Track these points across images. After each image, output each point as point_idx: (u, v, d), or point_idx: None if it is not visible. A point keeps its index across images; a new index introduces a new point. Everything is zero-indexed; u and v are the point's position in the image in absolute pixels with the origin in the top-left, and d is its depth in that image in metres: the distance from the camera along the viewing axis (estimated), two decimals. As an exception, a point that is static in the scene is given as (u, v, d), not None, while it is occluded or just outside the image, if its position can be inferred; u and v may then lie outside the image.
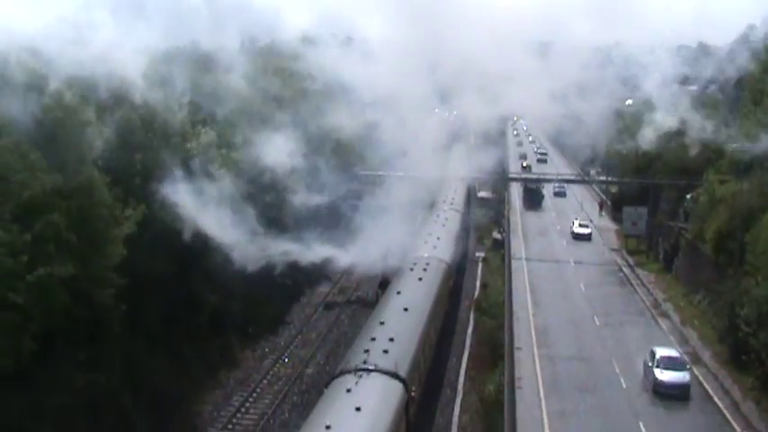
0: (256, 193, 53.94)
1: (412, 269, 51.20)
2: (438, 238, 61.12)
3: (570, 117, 70.81)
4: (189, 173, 43.67)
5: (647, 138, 70.74)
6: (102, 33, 40.88)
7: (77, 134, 33.20)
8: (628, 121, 78.38)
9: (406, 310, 42.09)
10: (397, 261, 55.69)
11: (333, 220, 69.50)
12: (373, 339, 36.52)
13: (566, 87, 64.51)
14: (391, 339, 36.12)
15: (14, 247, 27.66)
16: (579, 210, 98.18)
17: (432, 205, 79.06)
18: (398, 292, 45.88)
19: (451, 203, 79.89)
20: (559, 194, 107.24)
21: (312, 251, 57.55)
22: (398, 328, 38.76)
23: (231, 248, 46.45)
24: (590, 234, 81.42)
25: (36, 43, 35.92)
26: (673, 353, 43.51)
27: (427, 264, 52.71)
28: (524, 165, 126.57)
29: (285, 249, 54.29)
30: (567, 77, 63.37)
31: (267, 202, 56.40)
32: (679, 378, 40.91)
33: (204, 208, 44.05)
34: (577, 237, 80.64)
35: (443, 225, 68.07)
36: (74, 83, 35.72)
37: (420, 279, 49.17)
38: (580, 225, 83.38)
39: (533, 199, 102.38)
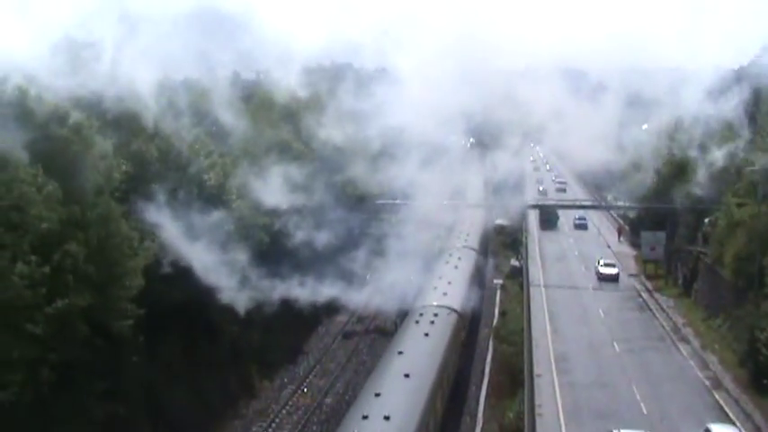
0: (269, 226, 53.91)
1: (417, 321, 44.99)
2: (449, 283, 54.11)
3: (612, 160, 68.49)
4: (205, 203, 43.83)
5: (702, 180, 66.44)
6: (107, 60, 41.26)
7: (95, 165, 33.52)
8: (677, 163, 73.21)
9: (407, 376, 35.69)
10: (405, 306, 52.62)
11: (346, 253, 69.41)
12: (365, 418, 30.65)
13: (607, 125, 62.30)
14: (387, 418, 30.32)
15: (33, 279, 27.86)
16: (597, 235, 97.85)
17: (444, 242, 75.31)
18: (400, 352, 39.10)
19: (466, 240, 74.38)
20: (580, 227, 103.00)
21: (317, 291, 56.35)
22: (397, 399, 32.99)
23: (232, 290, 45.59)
24: (617, 275, 75.06)
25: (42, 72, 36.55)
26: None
27: (435, 315, 46.20)
28: (541, 189, 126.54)
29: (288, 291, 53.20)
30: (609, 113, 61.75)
31: (277, 236, 56.12)
32: None
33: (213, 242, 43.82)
34: (604, 278, 74.39)
35: (456, 267, 61.29)
36: (90, 113, 36.12)
37: (426, 335, 42.55)
38: (606, 265, 77.05)
39: (550, 220, 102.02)
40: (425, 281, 56.90)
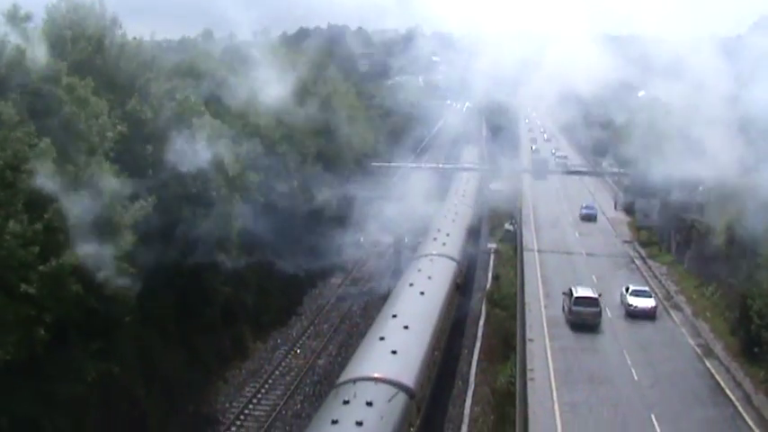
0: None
1: (420, 269, 49.40)
2: (447, 235, 60.04)
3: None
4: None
5: None
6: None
7: (88, 125, 33.29)
8: None
9: (422, 294, 43.68)
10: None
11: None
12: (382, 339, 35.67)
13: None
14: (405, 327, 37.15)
15: (26, 238, 27.79)
16: (591, 198, 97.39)
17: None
18: (411, 284, 45.87)
19: (463, 196, 79.14)
20: (588, 218, 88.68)
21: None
22: (413, 308, 40.77)
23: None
24: (655, 308, 53.51)
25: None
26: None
27: (431, 261, 51.83)
28: (533, 148, 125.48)
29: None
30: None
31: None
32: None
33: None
34: (635, 314, 52.83)
35: (453, 221, 66.54)
36: (85, 73, 35.85)
37: (430, 277, 47.39)
38: (636, 293, 54.48)
39: (540, 170, 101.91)
40: (425, 233, 63.84)
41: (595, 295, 51.42)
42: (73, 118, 32.54)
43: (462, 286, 49.73)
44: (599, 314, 50.31)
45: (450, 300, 47.41)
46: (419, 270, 49.31)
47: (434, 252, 54.15)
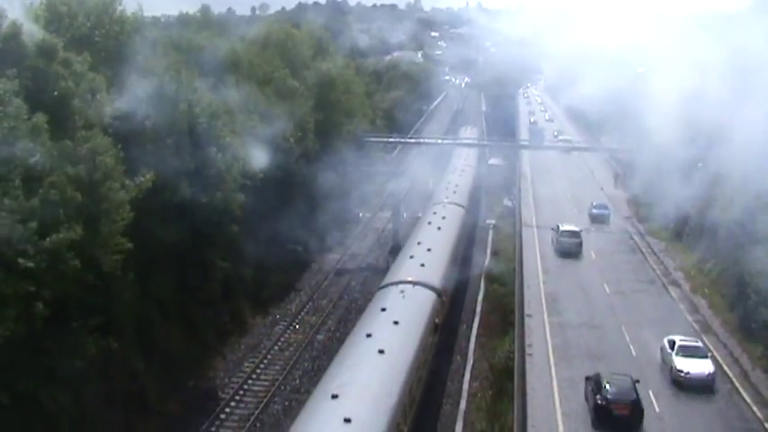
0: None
1: (435, 212, 60.22)
2: (429, 250, 48.66)
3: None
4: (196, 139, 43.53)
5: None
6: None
7: (85, 100, 33.14)
8: None
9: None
10: None
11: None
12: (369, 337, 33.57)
13: None
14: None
15: (23, 213, 27.73)
16: (591, 179, 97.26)
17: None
18: (429, 223, 56.57)
19: (455, 192, 73.83)
20: (598, 219, 75.53)
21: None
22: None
23: None
24: (713, 376, 39.03)
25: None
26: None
27: (444, 209, 61.46)
28: (532, 120, 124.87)
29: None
30: None
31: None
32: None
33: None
34: (689, 382, 38.49)
35: (460, 176, 77.78)
36: (84, 48, 35.66)
37: (439, 228, 55.37)
38: (686, 351, 39.77)
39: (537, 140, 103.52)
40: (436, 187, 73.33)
41: (578, 229, 63.44)
42: (68, 93, 32.35)
43: (441, 325, 42.40)
44: (580, 245, 61.88)
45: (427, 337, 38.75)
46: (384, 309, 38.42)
47: (409, 279, 42.72)
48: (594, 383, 34.96)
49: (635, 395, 34.02)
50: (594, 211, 76.64)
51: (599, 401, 33.74)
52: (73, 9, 38.59)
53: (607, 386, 33.99)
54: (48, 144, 29.74)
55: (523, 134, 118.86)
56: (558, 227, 63.84)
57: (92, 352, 31.86)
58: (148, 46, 42.76)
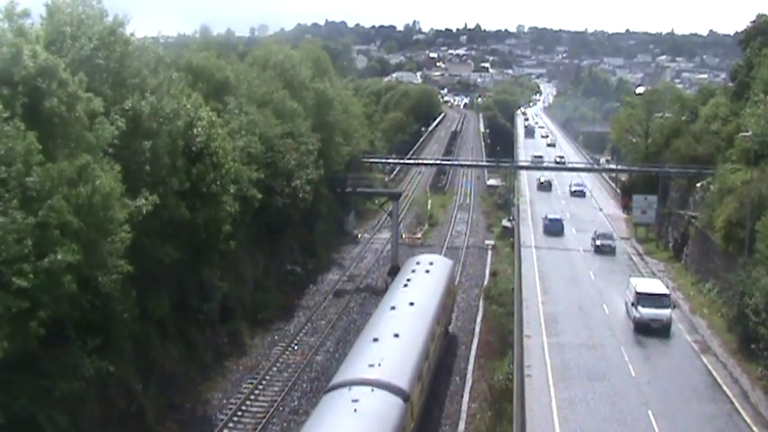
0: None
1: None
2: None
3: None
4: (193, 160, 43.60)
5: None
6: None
7: (83, 121, 33.11)
8: None
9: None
10: None
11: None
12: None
13: None
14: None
15: (19, 232, 27.68)
16: (593, 204, 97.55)
17: None
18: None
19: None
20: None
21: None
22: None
23: None
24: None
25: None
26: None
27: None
28: (537, 155, 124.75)
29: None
30: None
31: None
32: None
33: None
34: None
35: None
36: (84, 69, 35.68)
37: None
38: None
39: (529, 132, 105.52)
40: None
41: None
42: (62, 114, 32.28)
43: None
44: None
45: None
46: None
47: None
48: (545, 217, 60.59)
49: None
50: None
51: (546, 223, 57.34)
52: (75, 30, 38.57)
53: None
54: (45, 165, 29.72)
55: (521, 155, 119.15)
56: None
57: (90, 372, 31.77)
58: (151, 67, 42.78)
